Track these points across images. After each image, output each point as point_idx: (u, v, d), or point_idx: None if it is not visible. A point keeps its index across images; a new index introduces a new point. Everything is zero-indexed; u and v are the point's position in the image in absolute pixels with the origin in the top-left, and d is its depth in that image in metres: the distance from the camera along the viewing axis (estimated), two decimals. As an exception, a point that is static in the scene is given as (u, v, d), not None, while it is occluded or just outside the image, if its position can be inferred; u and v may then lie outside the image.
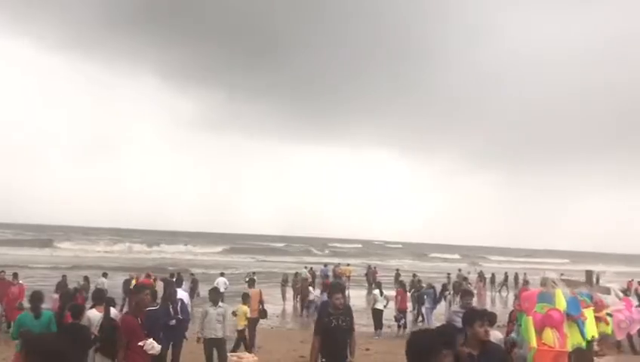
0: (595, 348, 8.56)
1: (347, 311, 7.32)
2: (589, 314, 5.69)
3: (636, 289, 26.16)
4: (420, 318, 21.58)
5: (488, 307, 23.29)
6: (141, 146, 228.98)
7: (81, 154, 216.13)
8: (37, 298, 8.97)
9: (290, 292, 26.68)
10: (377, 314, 18.53)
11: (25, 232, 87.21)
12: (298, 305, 25.04)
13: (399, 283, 23.90)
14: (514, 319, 7.59)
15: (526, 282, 28.82)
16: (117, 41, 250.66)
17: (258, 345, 14.48)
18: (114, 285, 22.42)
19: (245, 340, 14.06)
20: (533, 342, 5.30)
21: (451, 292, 23.41)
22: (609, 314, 6.10)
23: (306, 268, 31.32)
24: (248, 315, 14.21)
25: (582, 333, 5.51)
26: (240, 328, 14.02)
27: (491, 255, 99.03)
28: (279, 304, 25.45)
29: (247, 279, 19.68)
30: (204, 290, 21.40)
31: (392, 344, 15.73)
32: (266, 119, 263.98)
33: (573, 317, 5.48)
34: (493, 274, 35.15)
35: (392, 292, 21.22)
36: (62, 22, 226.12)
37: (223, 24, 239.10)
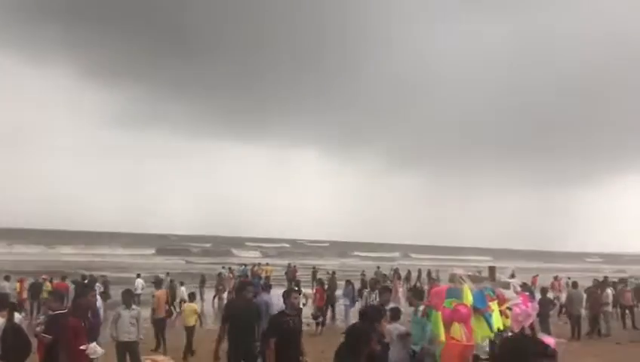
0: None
1: (299, 312, 7.41)
2: (494, 307, 6.00)
3: (554, 285, 27.73)
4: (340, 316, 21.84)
5: (403, 303, 23.99)
6: (61, 144, 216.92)
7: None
8: None
9: (210, 293, 26.37)
10: (295, 313, 18.63)
11: None
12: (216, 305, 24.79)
13: (317, 281, 24.15)
14: (423, 314, 7.87)
15: (436, 278, 29.90)
16: (35, 34, 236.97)
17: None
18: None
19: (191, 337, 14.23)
20: (442, 337, 5.53)
21: (368, 289, 23.85)
22: (509, 308, 6.44)
23: (223, 268, 31.04)
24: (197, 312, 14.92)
25: (489, 325, 5.81)
26: (187, 324, 14.30)
27: (416, 253, 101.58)
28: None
29: (153, 281, 19.36)
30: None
31: (311, 341, 15.83)
32: (194, 117, 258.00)
33: (480, 311, 5.76)
34: (408, 271, 36.20)
35: (310, 291, 21.44)
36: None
37: (148, 21, 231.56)
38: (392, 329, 7.47)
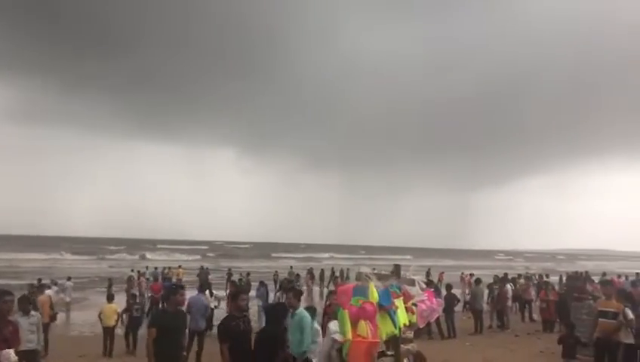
0: (408, 334, 9.28)
1: (247, 314, 7.25)
2: (399, 303, 6.16)
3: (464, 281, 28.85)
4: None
5: (316, 301, 24.22)
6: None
7: None
8: None
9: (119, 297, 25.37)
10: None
11: None
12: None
13: (232, 283, 23.86)
14: (330, 312, 7.95)
15: (347, 278, 30.35)
16: None
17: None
18: None
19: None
20: (349, 335, 5.60)
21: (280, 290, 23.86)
22: (414, 304, 6.64)
23: (132, 271, 30.07)
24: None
25: (394, 322, 5.95)
26: (108, 325, 14.59)
27: (335, 252, 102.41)
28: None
29: (36, 285, 18.62)
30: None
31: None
32: (104, 115, 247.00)
33: (385, 308, 5.89)
34: (322, 270, 36.54)
35: (224, 293, 21.16)
36: None
37: (61, 14, 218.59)
38: None
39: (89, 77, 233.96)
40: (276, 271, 31.43)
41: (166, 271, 32.52)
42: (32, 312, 10.58)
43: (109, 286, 25.98)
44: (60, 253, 74.49)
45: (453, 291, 19.32)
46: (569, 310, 15.54)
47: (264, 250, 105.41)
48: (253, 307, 21.57)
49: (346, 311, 5.64)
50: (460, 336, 17.44)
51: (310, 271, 35.36)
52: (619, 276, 27.01)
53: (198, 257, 75.86)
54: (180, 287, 7.89)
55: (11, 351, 6.86)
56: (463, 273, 33.04)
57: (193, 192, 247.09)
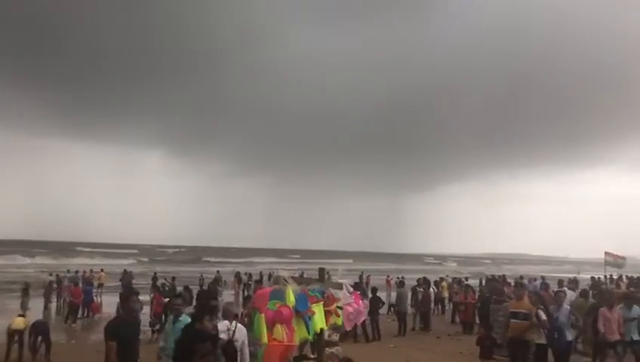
0: (334, 337, 9.33)
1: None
2: (317, 309, 6.18)
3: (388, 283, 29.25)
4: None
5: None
6: None
7: None
8: None
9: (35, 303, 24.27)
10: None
11: None
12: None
13: (156, 288, 23.31)
14: (246, 316, 7.87)
15: (270, 281, 30.28)
16: None
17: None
18: None
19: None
20: (265, 338, 5.58)
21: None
22: (339, 307, 6.68)
23: (51, 274, 28.82)
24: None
25: (307, 328, 5.97)
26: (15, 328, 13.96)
27: (265, 256, 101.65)
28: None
29: None
30: None
31: (146, 349, 15.19)
32: (25, 114, 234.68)
33: (301, 313, 5.90)
34: (250, 275, 36.33)
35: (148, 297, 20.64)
36: None
37: None
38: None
39: (13, 74, 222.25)
40: (202, 275, 30.92)
41: (87, 274, 31.37)
42: None
43: (24, 293, 24.76)
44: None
45: (378, 294, 19.61)
46: (488, 312, 16.13)
47: (195, 253, 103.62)
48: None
49: (263, 314, 5.62)
50: (385, 339, 17.72)
51: (237, 275, 35.06)
52: (534, 279, 28.25)
53: (128, 261, 73.36)
54: (133, 292, 7.33)
55: None
56: (388, 276, 33.68)
57: (121, 194, 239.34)
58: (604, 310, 11.79)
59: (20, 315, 14.77)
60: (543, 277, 28.63)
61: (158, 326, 18.70)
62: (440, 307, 24.46)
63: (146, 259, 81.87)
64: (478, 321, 18.29)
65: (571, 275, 38.37)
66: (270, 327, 5.61)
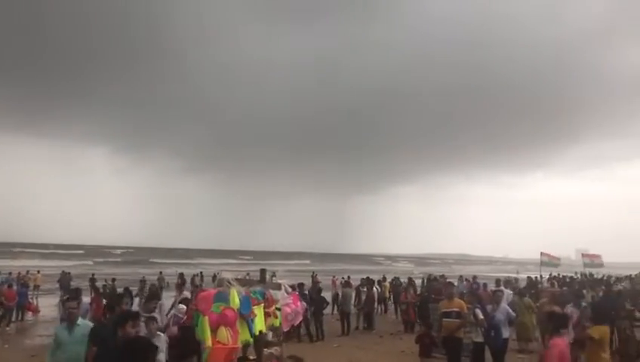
0: (274, 338, 9.37)
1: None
2: (258, 311, 6.22)
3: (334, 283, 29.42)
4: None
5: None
6: None
7: None
8: None
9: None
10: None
11: None
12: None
13: (95, 289, 22.67)
14: (189, 319, 7.80)
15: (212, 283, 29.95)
16: None
17: None
18: None
19: None
20: (209, 342, 5.56)
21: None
22: (278, 309, 6.75)
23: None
24: None
25: (250, 330, 6.00)
26: None
27: (215, 257, 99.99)
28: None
29: None
30: None
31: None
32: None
33: (244, 316, 5.92)
34: (193, 276, 35.84)
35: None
36: None
37: None
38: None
39: None
40: (143, 277, 30.26)
41: (22, 276, 30.17)
42: None
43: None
44: None
45: (324, 294, 19.75)
46: (428, 311, 16.53)
47: (142, 254, 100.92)
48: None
49: (206, 317, 5.60)
50: (329, 338, 17.87)
51: (181, 277, 34.44)
52: (474, 278, 29.08)
53: (72, 262, 70.35)
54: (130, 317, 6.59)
55: None
56: (333, 276, 33.92)
57: (66, 191, 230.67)
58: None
59: None
60: (474, 277, 29.58)
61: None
62: (383, 306, 24.80)
63: (90, 262, 78.74)
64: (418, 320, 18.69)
65: (512, 275, 39.69)
66: (214, 330, 5.60)
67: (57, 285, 31.61)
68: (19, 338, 18.80)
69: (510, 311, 12.45)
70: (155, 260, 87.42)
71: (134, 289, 22.59)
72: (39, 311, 24.11)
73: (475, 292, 19.04)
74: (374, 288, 22.21)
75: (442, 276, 32.11)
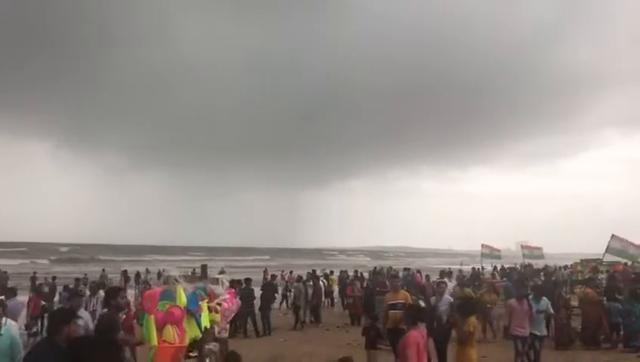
0: (224, 334, 9.31)
1: None
2: (203, 306, 6.19)
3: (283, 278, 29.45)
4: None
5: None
6: None
7: None
8: None
9: None
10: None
11: None
12: None
13: (35, 288, 21.96)
14: (134, 318, 7.64)
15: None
16: None
17: None
18: None
19: None
20: (154, 341, 5.48)
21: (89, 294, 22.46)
22: (219, 304, 6.71)
23: None
24: None
25: (199, 326, 5.96)
26: None
27: (163, 254, 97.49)
28: None
29: None
30: None
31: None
32: None
33: (192, 312, 5.87)
34: (138, 273, 35.25)
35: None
36: None
37: None
38: None
39: None
40: (85, 274, 29.43)
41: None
42: None
43: None
44: None
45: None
46: (374, 303, 16.77)
47: (90, 252, 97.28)
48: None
49: (152, 316, 5.51)
50: (276, 333, 17.91)
51: (124, 274, 33.80)
52: (418, 271, 29.67)
53: (15, 261, 67.17)
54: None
55: None
56: (282, 271, 33.96)
57: (5, 187, 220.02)
58: (512, 301, 11.50)
59: None
60: (406, 269, 30.34)
61: (35, 329, 17.66)
62: (330, 300, 25.04)
63: (32, 261, 75.26)
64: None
65: (456, 267, 40.72)
66: (160, 329, 5.52)
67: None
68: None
69: (452, 301, 12.80)
70: (102, 257, 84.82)
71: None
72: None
73: (419, 284, 19.47)
74: (321, 282, 22.36)
75: (389, 268, 32.63)
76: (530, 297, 11.76)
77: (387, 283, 16.73)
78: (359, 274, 26.19)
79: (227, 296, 6.91)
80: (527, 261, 38.95)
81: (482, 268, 32.90)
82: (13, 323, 6.54)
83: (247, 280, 17.90)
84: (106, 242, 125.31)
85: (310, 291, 20.44)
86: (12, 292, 13.57)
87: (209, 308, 6.36)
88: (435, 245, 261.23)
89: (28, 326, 17.51)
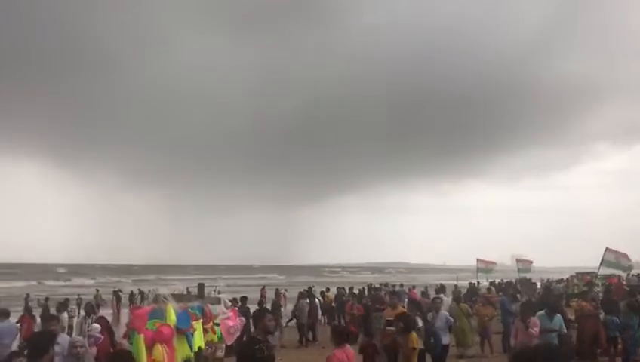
0: (219, 354, 9.21)
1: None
2: (198, 326, 6.09)
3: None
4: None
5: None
6: None
7: None
8: None
9: None
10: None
11: None
12: None
13: (27, 309, 21.70)
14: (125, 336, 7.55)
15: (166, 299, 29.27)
16: None
17: None
18: None
19: None
20: (144, 360, 5.38)
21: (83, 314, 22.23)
22: (216, 324, 6.63)
23: None
24: None
25: (190, 345, 5.86)
26: None
27: (163, 273, 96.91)
28: None
29: None
30: None
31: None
32: None
33: (183, 331, 5.77)
34: (132, 292, 35.06)
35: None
36: None
37: None
38: None
39: None
40: (79, 296, 29.21)
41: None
42: None
43: None
44: None
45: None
46: (371, 320, 16.60)
47: (88, 272, 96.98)
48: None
49: (142, 335, 5.41)
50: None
51: (116, 293, 33.56)
52: (413, 287, 29.54)
53: (16, 283, 66.52)
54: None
55: None
56: (277, 289, 33.76)
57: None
58: (517, 321, 10.89)
59: None
60: (401, 285, 30.32)
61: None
62: (326, 317, 24.81)
63: (30, 282, 74.36)
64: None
65: (452, 282, 40.59)
66: (150, 348, 5.42)
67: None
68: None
69: (449, 317, 12.73)
70: (97, 278, 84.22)
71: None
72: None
73: (414, 300, 19.34)
74: (316, 299, 22.18)
75: (386, 284, 32.48)
76: (540, 314, 11.07)
77: (385, 299, 16.59)
78: (361, 290, 26.12)
79: (230, 314, 6.84)
80: (521, 274, 39.01)
81: (478, 282, 32.76)
82: None
83: (243, 299, 17.75)
84: (102, 262, 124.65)
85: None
86: (4, 314, 13.30)
87: (205, 329, 6.27)
88: (431, 260, 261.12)
89: (20, 347, 17.25)
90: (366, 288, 30.02)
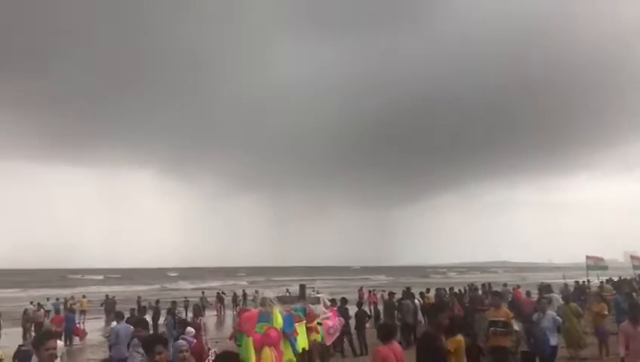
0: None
1: None
2: (300, 328, 6.23)
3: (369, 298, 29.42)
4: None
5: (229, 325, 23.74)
6: None
7: None
8: None
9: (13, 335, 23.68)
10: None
11: None
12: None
13: (140, 311, 22.99)
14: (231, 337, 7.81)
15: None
16: None
17: None
18: None
19: None
20: (253, 362, 5.57)
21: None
22: (319, 323, 6.74)
23: (31, 303, 27.95)
24: None
25: (293, 349, 5.99)
26: None
27: (272, 275, 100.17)
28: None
29: None
30: None
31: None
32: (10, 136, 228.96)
33: (287, 335, 5.92)
34: (234, 294, 36.07)
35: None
36: None
37: None
38: None
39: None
40: (186, 298, 30.59)
41: (69, 302, 30.77)
42: None
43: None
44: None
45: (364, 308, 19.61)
46: (472, 321, 16.19)
47: (196, 275, 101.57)
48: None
49: (251, 338, 5.60)
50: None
51: (219, 295, 34.79)
52: (518, 286, 28.45)
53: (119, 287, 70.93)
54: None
55: None
56: (368, 290, 33.63)
57: (106, 217, 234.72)
58: (625, 325, 9.40)
59: None
60: (483, 285, 29.26)
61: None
62: (427, 318, 24.45)
63: (140, 287, 78.74)
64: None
65: (560, 280, 38.74)
66: (258, 350, 5.60)
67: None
68: (68, 362, 19.11)
69: (557, 317, 12.18)
70: (207, 280, 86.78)
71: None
72: (87, 335, 24.56)
73: (517, 301, 18.68)
74: (416, 300, 21.91)
75: (489, 285, 31.53)
76: None
77: (486, 300, 16.16)
78: (461, 290, 25.56)
79: (330, 314, 6.96)
80: (636, 272, 36.35)
81: (588, 281, 30.97)
82: None
83: (343, 300, 17.94)
84: (207, 265, 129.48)
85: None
86: (120, 317, 14.30)
87: (309, 328, 6.41)
88: (535, 258, 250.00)
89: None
90: (467, 288, 29.32)
